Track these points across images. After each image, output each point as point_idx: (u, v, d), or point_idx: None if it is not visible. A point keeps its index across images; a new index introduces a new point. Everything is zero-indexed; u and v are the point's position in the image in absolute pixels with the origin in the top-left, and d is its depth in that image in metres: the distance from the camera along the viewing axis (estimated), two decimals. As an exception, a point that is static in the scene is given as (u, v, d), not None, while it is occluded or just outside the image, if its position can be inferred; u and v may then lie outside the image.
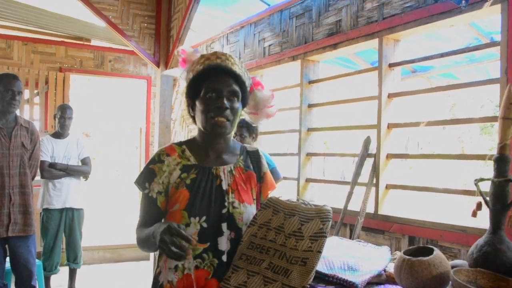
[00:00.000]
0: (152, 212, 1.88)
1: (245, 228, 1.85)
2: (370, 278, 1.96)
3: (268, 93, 2.05)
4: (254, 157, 2.01)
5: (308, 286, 1.58)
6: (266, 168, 2.03)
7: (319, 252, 1.64)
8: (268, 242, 1.75)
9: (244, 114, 2.04)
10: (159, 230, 1.58)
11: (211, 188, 1.84)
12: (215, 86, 1.81)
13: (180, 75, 2.02)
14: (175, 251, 1.51)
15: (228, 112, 1.81)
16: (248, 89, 1.95)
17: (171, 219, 1.83)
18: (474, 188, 2.00)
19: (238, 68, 1.89)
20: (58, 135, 5.32)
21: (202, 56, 1.93)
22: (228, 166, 1.90)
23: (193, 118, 1.95)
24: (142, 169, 1.91)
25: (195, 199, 1.80)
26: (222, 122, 1.81)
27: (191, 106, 1.93)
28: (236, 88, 1.85)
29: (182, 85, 2.00)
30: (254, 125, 4.32)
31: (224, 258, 1.79)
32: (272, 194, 2.04)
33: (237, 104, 1.85)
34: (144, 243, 1.80)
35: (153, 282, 1.90)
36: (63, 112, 5.26)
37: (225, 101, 1.80)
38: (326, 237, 1.67)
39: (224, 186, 1.85)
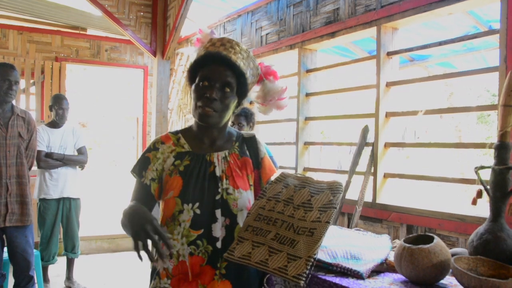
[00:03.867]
0: (145, 200, 1.85)
1: (240, 214, 1.83)
2: (374, 266, 1.96)
3: (280, 85, 1.97)
4: (250, 143, 1.98)
5: (315, 256, 1.56)
6: (264, 153, 2.00)
7: (328, 222, 1.61)
8: (276, 214, 1.72)
9: (251, 104, 2.00)
10: (144, 217, 1.56)
11: (204, 175, 1.82)
12: (208, 75, 1.77)
13: (191, 55, 1.97)
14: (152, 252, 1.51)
15: (216, 103, 1.77)
16: (252, 79, 1.90)
17: (166, 207, 1.82)
18: (471, 176, 2.00)
19: (240, 58, 1.82)
20: (53, 124, 5.29)
21: (210, 40, 1.88)
22: (223, 153, 1.88)
23: None
24: (138, 158, 1.89)
25: (188, 186, 1.79)
26: (208, 112, 1.76)
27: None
28: (231, 79, 1.79)
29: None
30: (253, 114, 4.32)
31: (219, 244, 1.78)
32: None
33: (230, 96, 1.80)
34: (126, 217, 1.68)
35: (151, 270, 1.91)
36: (61, 103, 5.23)
37: (216, 92, 1.75)
38: (335, 208, 1.65)
39: (218, 173, 1.83)
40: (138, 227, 1.54)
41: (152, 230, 1.53)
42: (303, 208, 1.70)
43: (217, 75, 1.77)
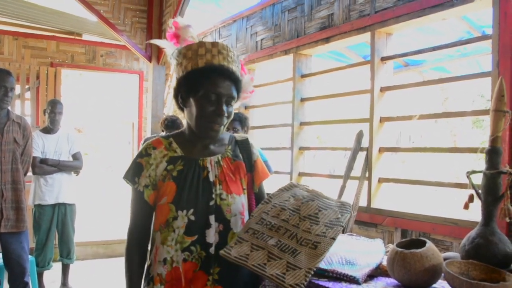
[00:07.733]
0: (141, 207, 1.86)
1: (234, 220, 1.83)
2: (370, 271, 1.96)
3: (248, 77, 2.01)
4: (243, 146, 1.98)
5: (315, 269, 1.56)
6: (257, 156, 2.00)
7: (333, 239, 1.59)
8: (280, 221, 1.71)
9: (246, 109, 2.01)
10: None
11: (198, 180, 1.81)
12: (217, 90, 1.76)
13: (171, 53, 1.90)
14: None
15: (224, 119, 1.79)
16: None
17: (160, 213, 1.82)
18: (466, 181, 2.01)
19: (235, 66, 1.82)
20: (48, 130, 5.28)
21: (202, 44, 1.80)
22: (216, 157, 1.87)
23: (181, 108, 1.89)
24: (130, 164, 1.88)
25: (182, 192, 1.79)
26: (217, 129, 1.79)
27: (183, 98, 1.84)
28: (235, 93, 1.81)
29: (172, 64, 1.89)
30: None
31: (212, 250, 1.78)
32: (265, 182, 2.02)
33: (232, 109, 1.83)
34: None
35: (145, 275, 1.89)
36: (53, 107, 5.22)
37: (224, 108, 1.77)
38: (342, 226, 1.64)
39: (211, 178, 1.83)
40: None
41: None
42: (309, 220, 1.68)
43: (225, 90, 1.77)
